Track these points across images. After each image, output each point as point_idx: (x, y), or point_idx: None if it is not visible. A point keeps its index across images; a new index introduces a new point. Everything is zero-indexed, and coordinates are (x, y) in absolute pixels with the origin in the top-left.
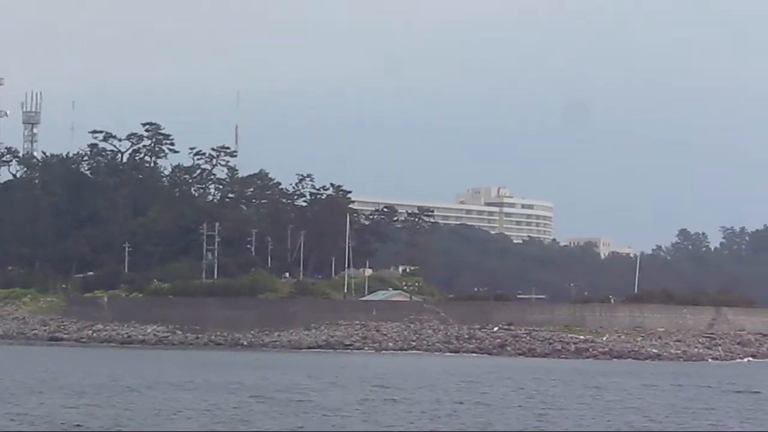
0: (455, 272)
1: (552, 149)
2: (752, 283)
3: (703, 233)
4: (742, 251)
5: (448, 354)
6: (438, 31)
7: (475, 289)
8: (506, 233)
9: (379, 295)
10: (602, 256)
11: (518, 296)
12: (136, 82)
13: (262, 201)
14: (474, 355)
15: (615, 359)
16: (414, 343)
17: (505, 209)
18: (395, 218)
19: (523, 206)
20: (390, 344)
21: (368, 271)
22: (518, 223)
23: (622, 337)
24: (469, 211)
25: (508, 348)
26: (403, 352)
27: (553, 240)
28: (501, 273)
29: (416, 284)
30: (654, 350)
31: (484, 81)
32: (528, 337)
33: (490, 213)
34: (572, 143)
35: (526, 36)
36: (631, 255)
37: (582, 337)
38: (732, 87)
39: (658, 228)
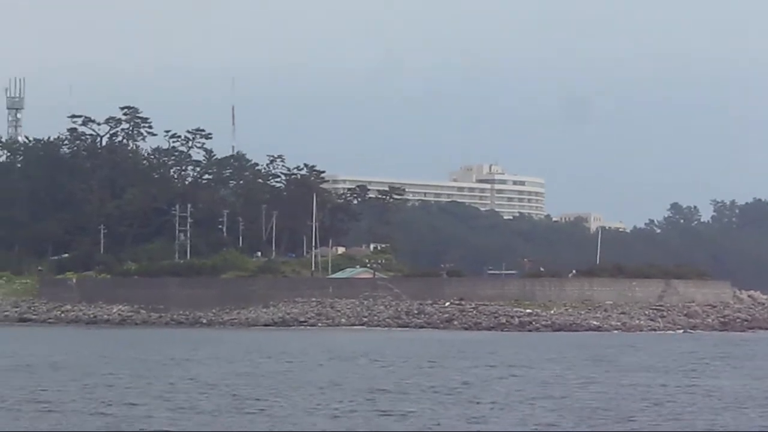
0: (443, 249)
1: (545, 126)
2: (738, 256)
3: (695, 207)
4: (732, 224)
5: (396, 329)
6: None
7: (441, 265)
8: (498, 210)
9: (346, 273)
10: (592, 231)
11: (489, 272)
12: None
13: (240, 182)
14: (421, 330)
15: (557, 332)
16: (366, 319)
17: (497, 186)
18: (367, 197)
19: (515, 182)
20: (343, 320)
21: (340, 249)
22: (510, 199)
23: (569, 310)
24: (460, 189)
25: (455, 322)
26: (355, 327)
27: (546, 216)
28: (488, 249)
29: (380, 262)
30: (595, 322)
31: (477, 55)
32: (475, 312)
33: (482, 190)
34: (566, 120)
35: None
36: (621, 230)
37: (527, 310)
38: (723, 58)
39: (651, 203)
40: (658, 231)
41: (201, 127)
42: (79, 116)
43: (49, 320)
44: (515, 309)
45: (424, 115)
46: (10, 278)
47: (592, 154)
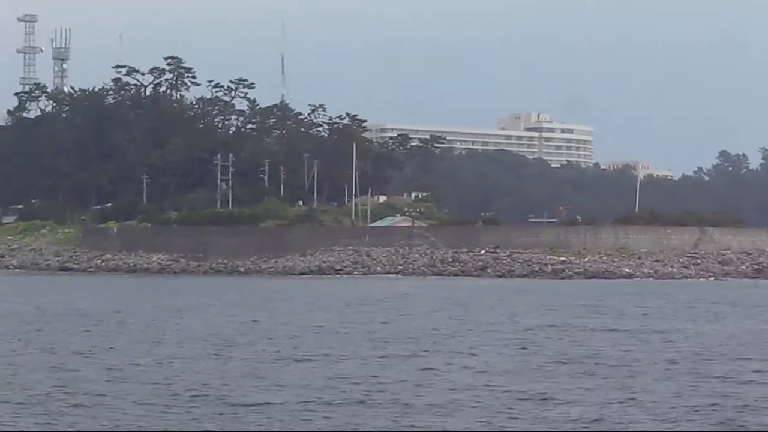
0: (489, 197)
1: (595, 72)
2: None
3: (744, 154)
4: None
5: (431, 276)
6: None
7: (482, 213)
8: (545, 158)
9: (386, 221)
10: (640, 178)
11: (530, 220)
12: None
13: (283, 132)
14: (456, 277)
15: (589, 279)
16: (401, 267)
17: (545, 134)
18: (408, 145)
19: (563, 131)
20: (378, 269)
21: (382, 198)
22: (558, 147)
23: (603, 258)
24: (508, 137)
25: (489, 270)
26: (390, 275)
27: (595, 164)
28: (534, 197)
29: (419, 210)
30: (627, 270)
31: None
32: (509, 260)
33: (530, 138)
34: (616, 64)
35: None
36: (670, 177)
37: (561, 258)
38: None
39: (701, 150)
40: (707, 178)
41: (245, 77)
42: (123, 66)
43: (90, 269)
44: (549, 257)
45: (474, 63)
46: (53, 227)
47: (642, 100)
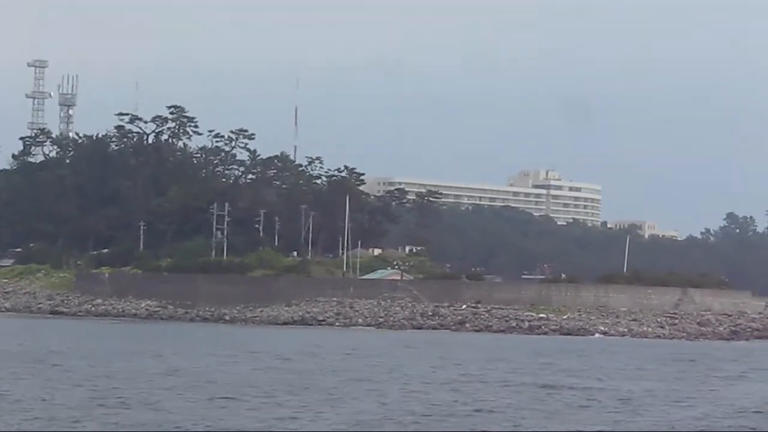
0: (494, 252)
1: (602, 131)
2: None
3: (751, 217)
4: None
5: (410, 330)
6: None
7: (472, 268)
8: (552, 215)
9: (378, 274)
10: (646, 237)
11: (523, 276)
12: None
13: (283, 183)
14: (434, 331)
15: (565, 336)
16: (381, 320)
17: (552, 191)
18: (405, 200)
19: (571, 189)
20: (359, 320)
21: (377, 251)
22: (566, 205)
23: (582, 315)
24: (516, 193)
25: (467, 324)
26: (371, 327)
27: (603, 223)
28: (538, 254)
29: (408, 264)
30: (603, 328)
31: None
32: (487, 315)
33: (537, 195)
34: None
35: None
36: (677, 238)
37: (540, 315)
38: None
39: (708, 211)
40: (713, 239)
41: (245, 128)
42: (126, 114)
43: (79, 313)
44: (527, 313)
45: (484, 118)
46: (48, 271)
47: (650, 162)
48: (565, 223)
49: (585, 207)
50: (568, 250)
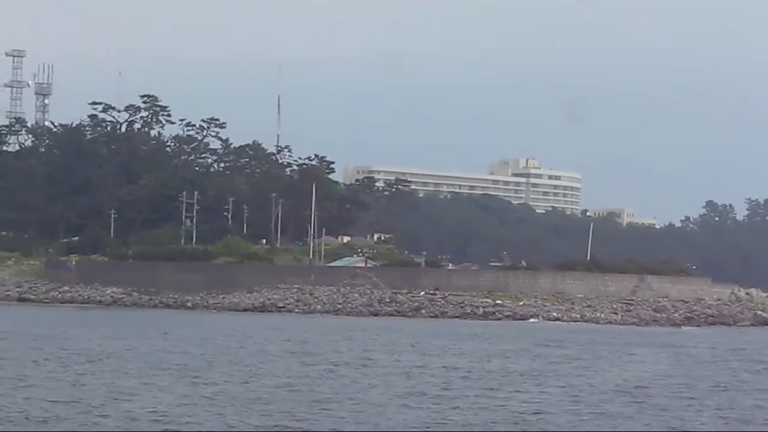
0: (470, 240)
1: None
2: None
3: (730, 205)
4: (766, 223)
5: (366, 316)
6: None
7: (444, 255)
8: (532, 204)
9: (344, 261)
10: (624, 225)
11: (491, 264)
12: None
13: (256, 171)
14: (390, 317)
15: (518, 321)
16: (340, 306)
17: (532, 180)
18: (374, 188)
19: (550, 177)
20: (318, 307)
21: (346, 239)
22: (545, 193)
23: (538, 302)
24: (495, 182)
25: (423, 311)
26: (329, 314)
27: (583, 211)
28: (515, 242)
29: (372, 251)
30: (556, 314)
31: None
32: (443, 301)
33: (517, 183)
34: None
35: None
36: (655, 226)
37: (497, 301)
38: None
39: (689, 200)
40: (694, 227)
41: (216, 117)
42: (100, 103)
43: (46, 300)
44: (482, 300)
45: (467, 107)
46: (18, 259)
47: (630, 150)
48: (544, 212)
49: (564, 195)
50: (545, 239)
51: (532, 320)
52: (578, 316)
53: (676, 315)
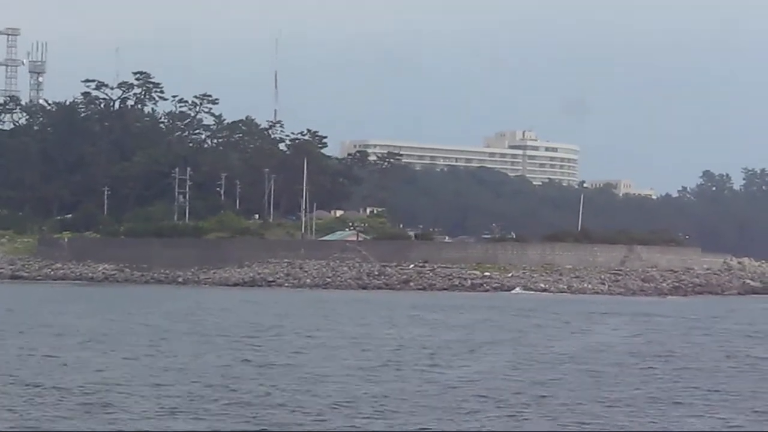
0: (467, 213)
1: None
2: (764, 225)
3: (727, 174)
4: (762, 192)
5: (355, 289)
6: None
7: (437, 228)
8: (529, 176)
9: (336, 235)
10: (621, 197)
11: (483, 236)
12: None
13: (250, 146)
14: (379, 290)
15: (506, 292)
16: (329, 280)
17: (529, 152)
18: (366, 161)
19: (547, 149)
20: (308, 281)
21: (339, 213)
22: (542, 165)
23: (527, 273)
24: (492, 154)
25: (411, 284)
26: (318, 288)
27: (580, 183)
28: (511, 215)
29: (364, 225)
30: (543, 285)
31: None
32: (431, 274)
33: (514, 156)
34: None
35: None
36: (652, 197)
37: (485, 273)
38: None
39: (686, 170)
40: (691, 198)
41: (209, 93)
42: (93, 81)
43: (38, 278)
44: (470, 272)
45: (463, 80)
46: (12, 237)
47: (629, 121)
48: (540, 184)
49: (561, 167)
50: (541, 211)
51: (515, 291)
52: (565, 286)
53: (664, 285)
